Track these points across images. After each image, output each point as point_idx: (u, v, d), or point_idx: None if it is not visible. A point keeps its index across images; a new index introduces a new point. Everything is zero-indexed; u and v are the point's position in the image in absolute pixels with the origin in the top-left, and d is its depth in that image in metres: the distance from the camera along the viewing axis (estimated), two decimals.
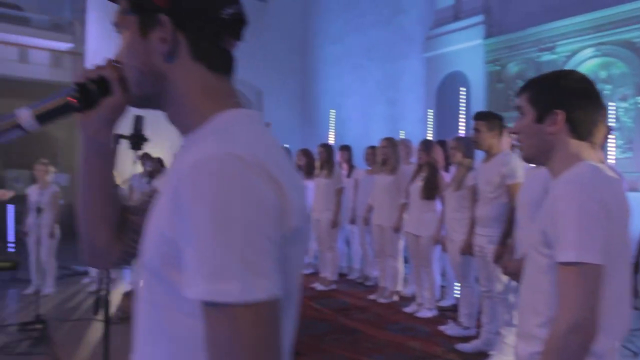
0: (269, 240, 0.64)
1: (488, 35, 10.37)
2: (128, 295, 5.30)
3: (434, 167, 4.51)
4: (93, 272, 6.77)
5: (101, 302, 2.38)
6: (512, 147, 3.50)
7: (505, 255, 3.17)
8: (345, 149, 6.43)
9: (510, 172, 3.36)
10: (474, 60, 10.52)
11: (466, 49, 10.58)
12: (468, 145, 3.80)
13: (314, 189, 5.86)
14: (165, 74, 0.77)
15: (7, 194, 3.16)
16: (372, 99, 12.75)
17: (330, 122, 9.29)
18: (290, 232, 0.68)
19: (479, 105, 10.38)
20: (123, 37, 0.80)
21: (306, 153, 6.05)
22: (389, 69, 12.53)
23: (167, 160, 6.83)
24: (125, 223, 0.94)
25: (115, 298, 5.66)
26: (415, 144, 5.27)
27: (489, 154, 3.49)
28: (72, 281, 6.84)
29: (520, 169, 3.30)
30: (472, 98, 10.67)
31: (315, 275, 6.34)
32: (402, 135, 7.26)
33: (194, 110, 0.78)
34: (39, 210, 4.71)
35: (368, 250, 5.92)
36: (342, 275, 6.40)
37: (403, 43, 12.14)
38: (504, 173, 3.39)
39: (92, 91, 0.81)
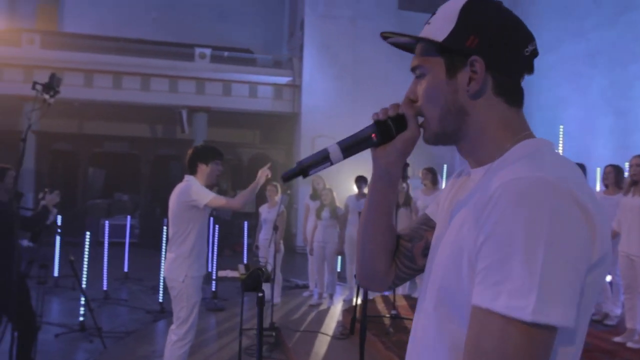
0: (574, 268, 0.65)
1: None
2: (348, 312, 5.52)
3: None
4: (312, 286, 7.29)
5: (356, 320, 2.48)
6: None
7: None
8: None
9: None
10: None
11: None
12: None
13: None
14: (468, 110, 0.82)
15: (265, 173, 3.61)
16: (595, 111, 11.32)
17: (559, 138, 8.42)
18: (596, 260, 0.69)
19: None
20: (426, 78, 0.85)
21: None
22: (617, 75, 11.00)
23: None
24: (399, 249, 1.01)
25: (336, 314, 5.97)
26: None
27: None
28: (293, 293, 7.47)
29: None
30: None
31: None
32: None
33: (492, 142, 0.83)
34: (275, 228, 5.25)
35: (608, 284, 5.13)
36: None
37: (635, 44, 10.54)
38: None
39: (390, 127, 0.89)
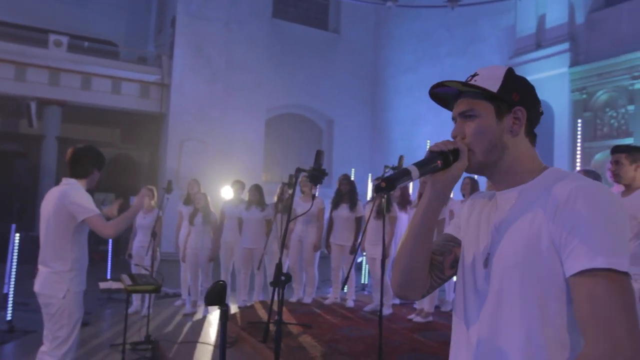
0: (626, 237, 1.00)
1: (574, 63, 10.08)
2: (229, 319, 5.39)
3: None
4: (184, 295, 6.96)
5: (270, 330, 2.42)
6: None
7: None
8: None
9: None
10: (558, 89, 10.23)
11: (550, 77, 10.33)
12: (596, 177, 3.65)
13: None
14: (508, 145, 1.12)
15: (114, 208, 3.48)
16: (447, 128, 12.60)
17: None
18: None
19: (565, 135, 10.03)
20: (476, 119, 1.13)
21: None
22: None
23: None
24: (432, 263, 1.22)
25: (213, 322, 5.80)
26: None
27: (629, 188, 3.33)
28: (164, 303, 7.08)
29: None
30: (557, 128, 10.33)
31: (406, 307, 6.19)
32: None
33: (525, 169, 1.13)
34: (154, 235, 4.92)
35: None
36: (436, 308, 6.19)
37: None
38: None
39: (449, 158, 1.11)
